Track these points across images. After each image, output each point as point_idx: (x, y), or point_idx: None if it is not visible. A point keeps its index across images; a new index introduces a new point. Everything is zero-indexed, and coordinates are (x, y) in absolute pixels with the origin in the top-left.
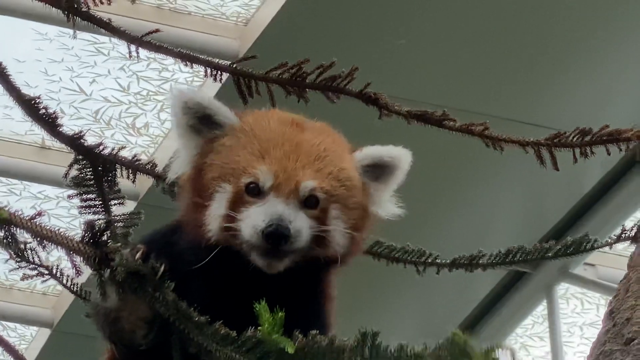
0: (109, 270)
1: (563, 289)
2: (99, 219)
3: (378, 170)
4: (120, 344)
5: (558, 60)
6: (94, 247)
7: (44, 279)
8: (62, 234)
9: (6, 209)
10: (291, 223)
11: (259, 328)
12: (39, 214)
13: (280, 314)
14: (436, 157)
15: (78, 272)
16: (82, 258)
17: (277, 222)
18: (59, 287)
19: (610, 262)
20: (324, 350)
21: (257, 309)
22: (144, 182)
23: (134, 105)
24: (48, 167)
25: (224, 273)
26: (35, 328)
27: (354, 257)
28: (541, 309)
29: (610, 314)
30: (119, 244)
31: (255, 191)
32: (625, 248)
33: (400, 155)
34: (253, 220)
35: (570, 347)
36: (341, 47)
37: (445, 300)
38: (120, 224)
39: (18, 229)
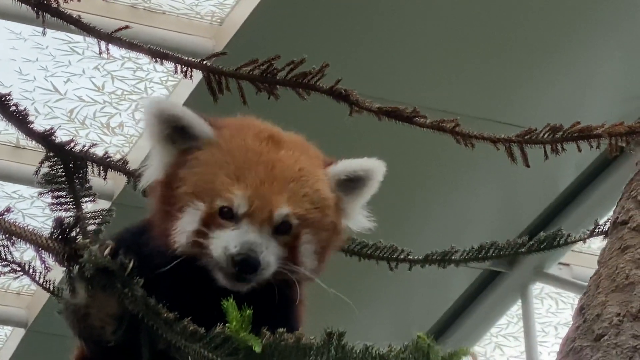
0: (77, 266)
1: (538, 288)
2: (68, 216)
3: (351, 184)
4: (90, 341)
5: (530, 59)
6: (63, 243)
7: (17, 275)
8: (31, 230)
9: None
10: (262, 254)
11: (227, 325)
12: (8, 210)
13: (248, 311)
14: (409, 156)
15: (47, 269)
16: (51, 254)
17: (248, 252)
18: (33, 287)
19: (584, 261)
20: (290, 349)
21: (225, 306)
22: (119, 182)
23: (109, 104)
24: (22, 166)
25: (188, 280)
26: (9, 328)
27: (320, 273)
28: (516, 308)
29: (581, 310)
30: (88, 240)
31: (228, 215)
32: (599, 248)
33: (374, 168)
34: (224, 242)
35: (545, 346)
36: (315, 47)
37: (419, 300)
38: (91, 220)
39: None
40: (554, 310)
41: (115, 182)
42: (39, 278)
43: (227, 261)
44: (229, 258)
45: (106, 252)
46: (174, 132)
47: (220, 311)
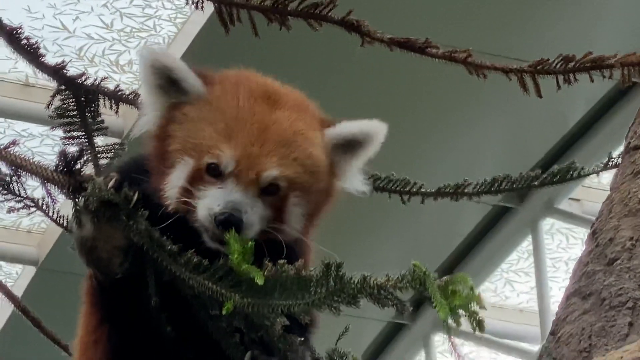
0: (82, 199)
1: (548, 224)
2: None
3: (349, 146)
4: (99, 272)
5: None
6: (68, 175)
7: (30, 211)
8: (36, 162)
9: None
10: (246, 214)
11: (229, 257)
12: (13, 142)
13: (250, 243)
14: (421, 92)
15: (54, 201)
16: (56, 187)
17: (231, 210)
18: (44, 225)
19: (595, 197)
20: (292, 280)
21: (227, 238)
22: (129, 119)
23: (118, 42)
24: (32, 104)
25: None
26: (20, 266)
27: (312, 233)
28: (526, 244)
29: (593, 234)
30: (93, 172)
31: (215, 172)
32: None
33: (374, 131)
34: (208, 202)
35: (556, 282)
36: None
37: (430, 236)
38: (103, 154)
39: None
40: (564, 245)
41: (125, 119)
42: (52, 213)
43: (210, 221)
44: (212, 218)
45: (110, 184)
46: (166, 84)
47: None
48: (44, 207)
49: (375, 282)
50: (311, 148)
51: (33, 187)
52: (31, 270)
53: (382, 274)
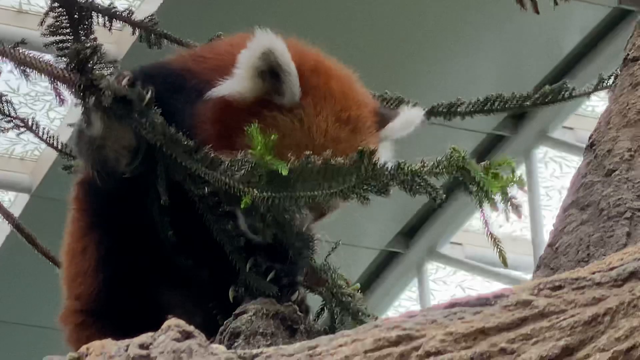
0: (94, 97)
1: (542, 152)
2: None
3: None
4: (103, 172)
5: None
6: (79, 73)
7: (20, 131)
8: (45, 61)
9: None
10: None
11: (250, 151)
12: (22, 41)
13: (272, 135)
14: (417, 13)
15: (62, 101)
16: (66, 85)
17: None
18: (37, 152)
19: (589, 125)
20: (318, 171)
21: (249, 131)
22: (122, 45)
23: None
24: (25, 31)
25: None
26: (13, 193)
27: None
28: (520, 172)
29: (591, 146)
30: (106, 70)
31: None
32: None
33: (415, 120)
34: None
35: (549, 210)
36: None
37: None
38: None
39: (2, 58)
40: (557, 174)
41: (119, 46)
42: (42, 134)
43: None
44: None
45: (124, 82)
46: (268, 73)
47: None
48: (34, 127)
49: (409, 169)
50: (366, 130)
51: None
52: (24, 198)
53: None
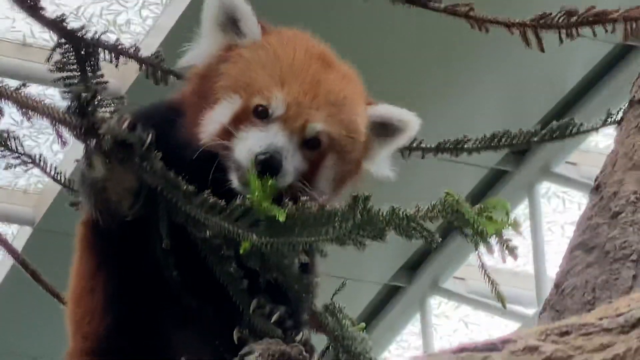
0: (95, 140)
1: (545, 187)
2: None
3: (384, 129)
4: (106, 214)
5: None
6: (81, 116)
7: (27, 167)
8: (47, 104)
9: None
10: (285, 159)
11: (248, 196)
12: (24, 84)
13: (270, 181)
14: (422, 49)
15: (64, 143)
16: (67, 128)
17: (273, 153)
18: (40, 185)
19: (592, 160)
20: (314, 217)
21: (248, 178)
22: (127, 79)
23: (115, 2)
24: (29, 64)
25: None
26: (16, 226)
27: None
28: (523, 207)
29: (597, 188)
30: (106, 113)
31: (262, 115)
32: (607, 147)
33: (410, 121)
34: (250, 143)
35: (552, 246)
36: None
37: (426, 200)
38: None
39: (3, 100)
40: (560, 209)
41: (123, 80)
42: (50, 170)
43: (250, 160)
44: (253, 157)
45: (124, 125)
46: (227, 22)
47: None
48: (41, 163)
49: (404, 214)
50: (355, 116)
51: (29, 147)
52: (27, 231)
53: (411, 205)
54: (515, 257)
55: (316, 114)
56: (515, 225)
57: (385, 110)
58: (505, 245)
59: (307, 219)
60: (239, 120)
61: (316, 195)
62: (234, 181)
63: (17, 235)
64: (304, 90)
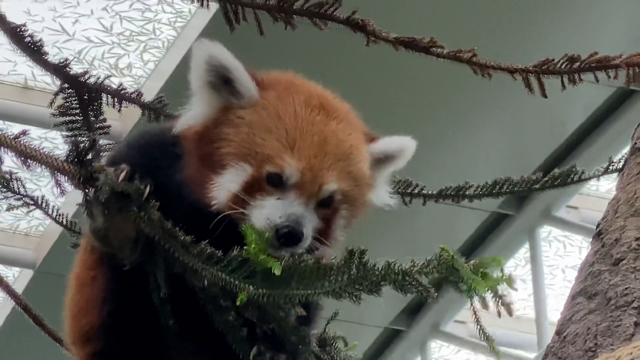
0: (93, 190)
1: (546, 231)
2: (84, 139)
3: (384, 160)
4: (110, 261)
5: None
6: (79, 166)
7: (29, 209)
8: (46, 153)
9: None
10: (305, 227)
11: (245, 248)
12: (24, 133)
13: (267, 234)
14: (423, 94)
15: (62, 192)
16: (67, 177)
17: (294, 224)
18: (42, 228)
19: (593, 204)
20: (311, 270)
21: (244, 229)
22: (128, 122)
23: (117, 45)
24: (31, 107)
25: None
26: (17, 269)
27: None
28: (523, 251)
29: (599, 235)
30: (104, 163)
31: (276, 182)
32: (609, 191)
33: (407, 147)
34: (268, 212)
35: (553, 289)
36: None
37: (428, 243)
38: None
39: (3, 148)
40: (561, 253)
41: (125, 122)
42: (52, 212)
43: (270, 231)
44: (274, 229)
45: (122, 176)
46: (219, 82)
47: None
48: (44, 205)
49: (400, 269)
50: (362, 163)
51: (31, 189)
52: (28, 274)
53: (407, 259)
54: (510, 313)
55: (329, 175)
56: (510, 282)
57: (385, 144)
58: (500, 301)
59: (303, 272)
60: (252, 188)
61: (333, 243)
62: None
63: (18, 278)
64: (313, 152)
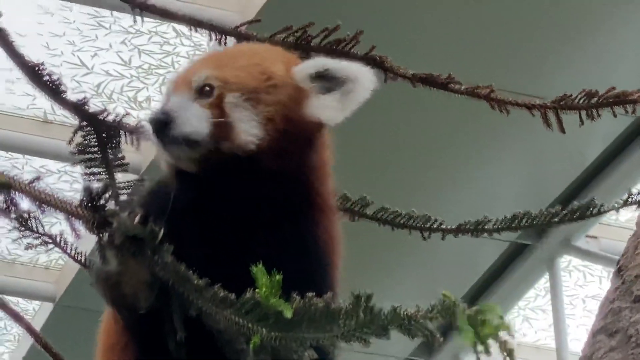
0: (107, 234)
1: (565, 261)
2: (97, 184)
3: (329, 83)
4: (123, 308)
5: (559, 30)
6: (92, 210)
7: (48, 248)
8: (60, 198)
9: (4, 173)
10: (174, 112)
11: (257, 291)
12: (38, 178)
13: (277, 277)
14: (438, 129)
15: (78, 237)
16: (81, 222)
17: (155, 113)
18: (61, 261)
19: (613, 234)
20: (321, 313)
21: (254, 272)
22: (147, 156)
23: (136, 79)
24: (50, 141)
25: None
26: (37, 302)
27: (293, 148)
28: (543, 281)
29: (619, 271)
30: (117, 207)
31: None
32: (628, 220)
33: (355, 71)
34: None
35: (573, 319)
36: (343, 20)
37: (447, 273)
38: (123, 191)
39: (17, 193)
40: (581, 283)
41: (144, 156)
42: (70, 250)
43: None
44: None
45: (136, 220)
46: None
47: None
48: (62, 243)
49: (405, 313)
50: (261, 62)
51: (50, 223)
52: (49, 307)
53: (412, 305)
54: (513, 359)
55: (203, 67)
56: (509, 328)
57: (318, 61)
58: (503, 347)
59: (313, 315)
60: None
61: (245, 135)
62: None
63: (39, 311)
64: (209, 60)
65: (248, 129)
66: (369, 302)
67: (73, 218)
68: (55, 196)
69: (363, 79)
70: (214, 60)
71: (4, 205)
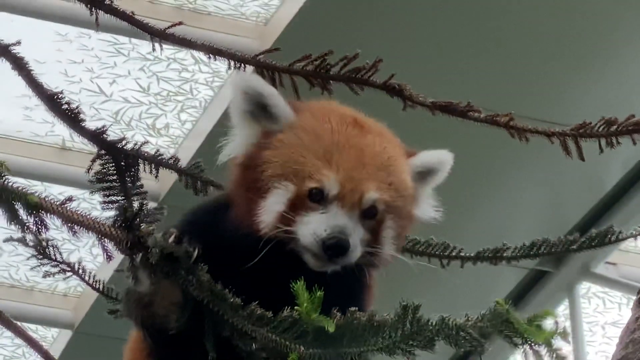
0: (141, 254)
1: (585, 288)
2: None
3: (425, 174)
4: (152, 330)
5: (579, 56)
6: (126, 231)
7: (66, 276)
8: (92, 218)
9: (36, 194)
10: (351, 237)
11: (297, 308)
12: (69, 199)
13: (319, 293)
14: (459, 153)
15: (109, 257)
16: (113, 242)
17: (339, 235)
18: (80, 289)
19: (632, 260)
20: (364, 327)
21: (295, 289)
22: (165, 183)
23: (154, 105)
24: (68, 168)
25: (268, 260)
26: (56, 330)
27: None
28: (563, 308)
29: (639, 301)
30: (152, 227)
31: (317, 197)
32: None
33: (447, 160)
34: (314, 227)
35: (592, 346)
36: (362, 48)
37: (466, 302)
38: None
39: (48, 214)
40: (601, 309)
41: (162, 184)
42: (88, 278)
43: (318, 245)
44: (320, 242)
45: (171, 239)
46: (257, 110)
47: (287, 291)
48: (80, 271)
49: (454, 323)
50: (402, 174)
51: (69, 250)
52: (67, 334)
53: (461, 314)
54: None
55: (368, 184)
56: (564, 334)
57: (425, 158)
58: (554, 355)
59: (355, 329)
60: (296, 206)
61: (385, 255)
62: (309, 261)
63: (57, 338)
64: (351, 164)
65: (389, 248)
66: (416, 312)
67: (105, 239)
68: (88, 217)
69: (449, 165)
70: (373, 171)
71: (35, 228)
